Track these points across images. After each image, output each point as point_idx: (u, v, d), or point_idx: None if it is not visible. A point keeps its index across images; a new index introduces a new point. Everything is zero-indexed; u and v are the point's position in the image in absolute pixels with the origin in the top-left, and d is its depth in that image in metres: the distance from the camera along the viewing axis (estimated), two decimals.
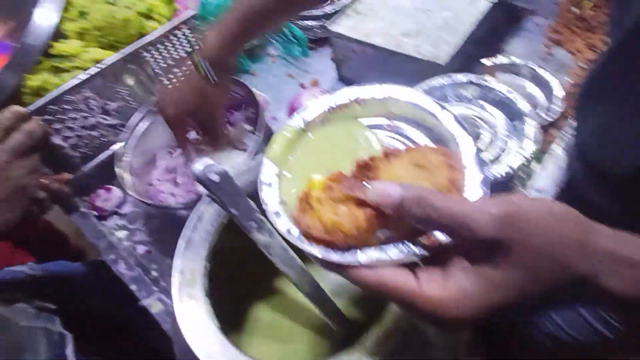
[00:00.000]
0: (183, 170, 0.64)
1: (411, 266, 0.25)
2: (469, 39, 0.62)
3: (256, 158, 0.44)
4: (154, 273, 0.59)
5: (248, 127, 0.65)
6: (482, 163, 0.28)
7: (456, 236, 0.23)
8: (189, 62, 0.54)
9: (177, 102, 0.55)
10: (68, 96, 0.63)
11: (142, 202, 0.53)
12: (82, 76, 0.63)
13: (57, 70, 0.64)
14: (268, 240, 0.40)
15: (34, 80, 0.63)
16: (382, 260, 0.25)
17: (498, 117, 0.54)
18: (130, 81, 0.70)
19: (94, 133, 0.69)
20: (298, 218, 0.28)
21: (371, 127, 0.34)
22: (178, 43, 0.72)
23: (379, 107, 0.34)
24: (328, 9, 0.80)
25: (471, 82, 0.54)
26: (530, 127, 0.51)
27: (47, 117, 0.63)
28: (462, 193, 0.26)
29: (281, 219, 0.29)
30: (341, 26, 0.67)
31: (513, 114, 0.54)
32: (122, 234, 0.65)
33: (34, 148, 0.49)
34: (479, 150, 0.28)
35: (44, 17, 0.64)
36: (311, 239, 0.27)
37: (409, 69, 0.61)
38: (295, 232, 0.28)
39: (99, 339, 0.67)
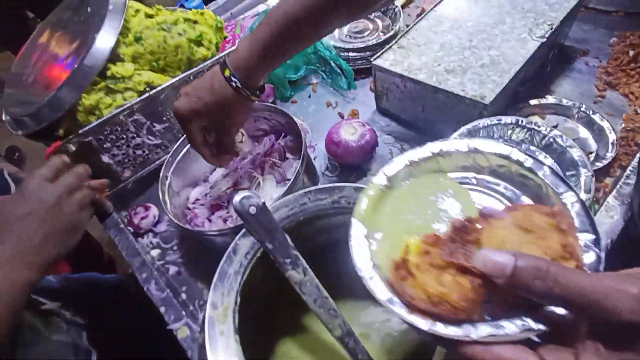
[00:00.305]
0: (220, 197, 0.65)
1: (530, 345, 0.23)
2: (516, 79, 0.60)
3: (294, 189, 0.44)
4: (183, 296, 0.59)
5: (291, 156, 0.66)
6: (591, 220, 0.25)
7: (589, 316, 0.21)
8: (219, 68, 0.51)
9: (193, 99, 0.52)
10: (119, 117, 0.67)
11: (179, 225, 0.54)
12: (135, 100, 0.66)
13: (110, 91, 0.68)
14: (302, 277, 0.39)
15: (88, 99, 0.66)
16: (497, 336, 0.23)
17: (547, 164, 0.51)
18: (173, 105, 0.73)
19: (138, 152, 0.72)
20: (397, 286, 0.27)
21: (457, 181, 0.33)
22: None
23: (463, 160, 0.33)
24: (372, 41, 0.81)
25: (518, 124, 0.52)
26: (584, 177, 0.48)
27: (99, 136, 0.66)
28: (580, 262, 0.24)
29: (377, 284, 0.28)
30: (385, 60, 0.67)
31: (563, 160, 0.51)
32: (155, 252, 0.66)
33: (83, 186, 0.55)
34: (585, 205, 0.26)
35: (104, 41, 0.68)
36: (414, 309, 0.25)
37: (452, 106, 0.60)
38: (397, 301, 0.26)
39: (121, 355, 0.67)
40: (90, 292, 0.71)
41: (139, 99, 0.67)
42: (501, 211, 0.27)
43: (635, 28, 0.75)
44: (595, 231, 0.25)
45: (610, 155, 0.58)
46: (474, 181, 0.32)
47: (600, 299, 0.20)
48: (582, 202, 0.27)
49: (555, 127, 0.65)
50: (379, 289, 0.27)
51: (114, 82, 0.67)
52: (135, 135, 0.70)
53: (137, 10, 0.74)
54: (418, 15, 0.85)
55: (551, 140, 0.51)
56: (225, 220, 0.62)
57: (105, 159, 0.68)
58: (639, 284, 0.20)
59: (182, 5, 1.02)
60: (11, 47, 2.02)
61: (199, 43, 0.75)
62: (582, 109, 0.64)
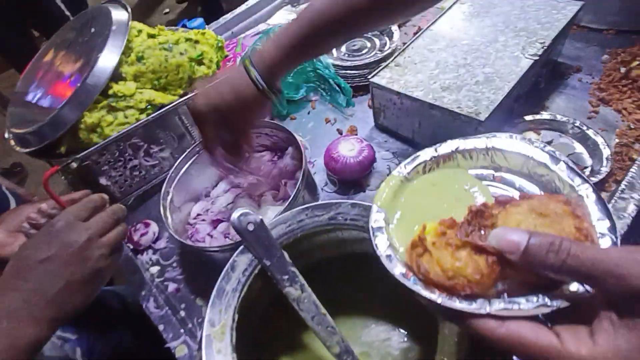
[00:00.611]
0: (222, 213, 0.65)
1: (545, 323, 0.23)
2: (511, 95, 0.61)
3: (295, 206, 0.45)
4: (182, 313, 0.59)
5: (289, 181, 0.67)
6: (606, 209, 0.26)
7: (602, 286, 0.21)
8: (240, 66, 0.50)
9: (213, 95, 0.50)
10: (119, 142, 0.68)
11: (180, 241, 0.54)
12: (135, 125, 0.68)
13: (112, 109, 0.69)
14: (299, 294, 0.39)
15: (90, 117, 0.67)
16: (512, 311, 0.23)
17: (562, 159, 0.52)
18: (174, 125, 0.74)
19: (135, 172, 0.73)
20: (413, 262, 0.28)
21: (475, 176, 0.34)
22: None
23: (482, 158, 0.34)
24: (369, 59, 0.82)
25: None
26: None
27: (97, 159, 0.68)
28: (596, 244, 0.25)
29: (393, 262, 0.29)
30: (382, 78, 0.68)
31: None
32: (155, 269, 0.66)
33: (116, 227, 0.49)
34: (600, 196, 0.27)
35: (106, 60, 0.70)
36: (429, 283, 0.26)
37: (448, 123, 0.61)
38: (410, 276, 0.28)
39: None
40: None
41: (141, 122, 0.68)
42: (518, 199, 0.28)
43: (626, 45, 0.77)
44: (610, 219, 0.26)
45: (605, 170, 0.59)
46: (492, 178, 0.34)
47: (612, 268, 0.20)
48: (597, 193, 0.28)
49: (550, 142, 0.66)
50: (395, 266, 0.28)
51: (116, 100, 0.68)
52: (132, 158, 0.71)
53: (140, 31, 0.76)
54: (414, 34, 0.87)
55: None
56: (226, 236, 0.62)
57: (103, 181, 0.69)
58: (625, 248, 0.21)
59: (184, 25, 1.04)
60: (16, 65, 2.06)
61: (200, 62, 0.77)
62: (577, 124, 0.65)
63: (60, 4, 1.73)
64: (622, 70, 0.72)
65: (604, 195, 0.58)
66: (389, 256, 0.30)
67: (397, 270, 0.28)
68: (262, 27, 1.15)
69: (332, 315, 0.41)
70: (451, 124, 0.61)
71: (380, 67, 0.70)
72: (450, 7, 0.79)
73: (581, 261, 0.21)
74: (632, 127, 0.65)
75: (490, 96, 0.60)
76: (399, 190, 0.34)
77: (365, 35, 0.90)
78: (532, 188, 0.32)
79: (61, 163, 0.65)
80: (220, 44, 0.82)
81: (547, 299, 0.23)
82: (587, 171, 0.61)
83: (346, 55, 0.88)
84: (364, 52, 0.87)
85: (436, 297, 0.26)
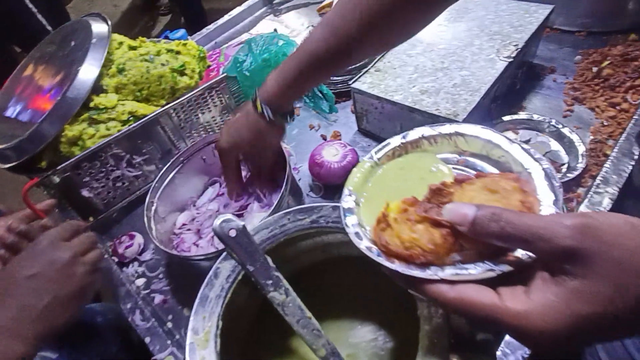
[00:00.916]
0: (207, 221, 0.65)
1: (491, 285, 0.25)
2: (487, 97, 0.63)
3: (275, 213, 0.45)
4: (169, 324, 0.58)
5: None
6: (554, 186, 0.29)
7: (534, 248, 0.23)
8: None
9: (233, 133, 0.59)
10: (100, 153, 0.68)
11: (165, 251, 0.54)
12: (115, 135, 0.68)
13: (93, 122, 0.69)
14: (284, 298, 0.40)
15: (71, 131, 0.67)
16: (461, 275, 0.26)
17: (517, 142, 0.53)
18: (157, 136, 0.74)
19: (118, 184, 0.72)
20: (376, 237, 0.30)
21: (441, 159, 0.37)
22: (207, 102, 0.77)
23: (447, 143, 0.37)
24: (352, 65, 0.84)
25: None
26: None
27: (78, 171, 0.67)
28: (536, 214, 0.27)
29: (361, 238, 0.31)
30: (362, 83, 0.70)
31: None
32: (140, 281, 0.65)
33: (95, 247, 0.52)
34: (550, 173, 0.29)
35: (87, 73, 0.69)
36: (390, 255, 0.29)
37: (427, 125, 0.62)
38: (374, 249, 0.30)
39: None
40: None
41: (121, 133, 0.68)
42: (473, 177, 0.31)
43: (597, 46, 0.80)
44: (555, 194, 0.29)
45: (580, 166, 0.61)
46: (456, 160, 0.36)
47: (541, 232, 0.22)
48: (545, 171, 0.30)
49: (528, 141, 0.68)
50: (361, 241, 0.31)
51: (97, 113, 0.68)
52: (114, 168, 0.71)
53: (121, 43, 0.76)
54: None
55: None
56: (212, 245, 0.62)
57: (85, 192, 0.69)
58: (573, 216, 0.23)
59: (166, 37, 1.05)
60: None
61: (182, 72, 0.77)
62: (552, 123, 0.67)
63: (41, 18, 1.72)
64: (594, 69, 0.74)
65: (580, 190, 0.60)
66: (357, 233, 0.32)
67: (363, 244, 0.31)
68: (244, 37, 1.16)
69: (319, 319, 0.41)
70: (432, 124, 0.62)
71: (361, 73, 0.72)
72: None
73: (517, 227, 0.23)
74: (606, 124, 0.67)
75: (468, 98, 0.61)
76: (369, 175, 0.37)
77: None
78: (491, 169, 0.35)
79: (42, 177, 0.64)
80: (202, 55, 0.82)
81: (493, 265, 0.26)
82: (564, 168, 0.63)
83: None
84: None
85: (395, 266, 0.28)
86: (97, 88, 0.70)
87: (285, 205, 0.56)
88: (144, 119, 0.70)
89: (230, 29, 1.22)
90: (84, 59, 0.69)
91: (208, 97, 0.76)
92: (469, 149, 0.36)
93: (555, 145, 0.67)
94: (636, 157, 0.57)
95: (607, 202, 0.54)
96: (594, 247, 0.21)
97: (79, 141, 0.67)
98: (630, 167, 0.56)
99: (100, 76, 0.70)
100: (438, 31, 0.76)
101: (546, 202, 0.28)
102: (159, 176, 0.64)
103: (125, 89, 0.73)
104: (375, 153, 0.38)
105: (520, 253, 0.25)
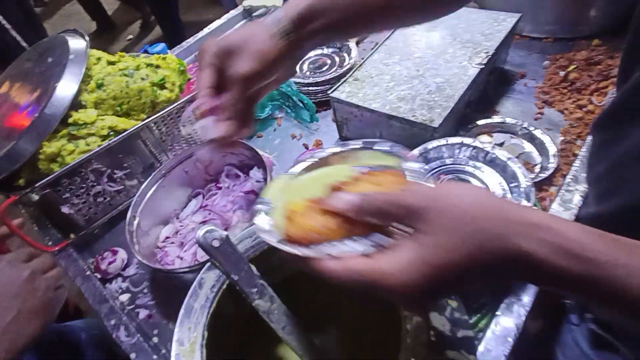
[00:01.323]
0: (191, 234, 0.65)
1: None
2: (461, 102, 0.65)
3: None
4: (155, 339, 0.57)
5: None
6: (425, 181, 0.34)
7: (396, 216, 0.28)
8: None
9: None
10: (80, 169, 0.67)
11: (148, 265, 0.54)
12: (94, 151, 0.67)
13: (72, 138, 0.68)
14: (269, 306, 0.40)
15: (50, 147, 0.66)
16: (345, 251, 0.30)
17: (492, 177, 0.55)
18: (138, 150, 0.73)
19: (100, 199, 0.72)
20: (284, 229, 0.34)
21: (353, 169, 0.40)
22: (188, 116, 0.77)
23: (354, 157, 0.40)
24: (331, 75, 0.85)
25: (463, 144, 0.57)
26: (524, 186, 0.52)
27: (57, 188, 0.66)
28: None
29: (269, 233, 0.34)
30: (341, 92, 0.71)
31: (505, 173, 0.55)
32: (125, 297, 0.64)
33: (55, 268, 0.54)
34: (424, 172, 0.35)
35: (65, 89, 0.69)
36: (293, 242, 0.32)
37: (405, 131, 0.64)
38: (278, 237, 0.34)
39: None
40: (56, 338, 0.68)
41: (101, 148, 0.67)
42: (366, 175, 0.35)
43: (563, 51, 0.83)
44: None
45: (552, 165, 0.63)
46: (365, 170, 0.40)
47: (400, 201, 0.27)
48: (420, 169, 0.35)
49: (502, 144, 0.71)
50: (270, 236, 0.34)
51: (77, 129, 0.67)
52: (95, 184, 0.70)
53: (99, 58, 0.76)
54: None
55: (493, 156, 0.55)
56: (196, 257, 0.62)
57: (65, 209, 0.68)
58: (425, 187, 0.28)
59: (145, 51, 1.05)
60: None
61: (162, 86, 0.77)
62: (525, 126, 0.70)
63: (15, 34, 1.69)
64: (561, 74, 0.78)
65: (553, 189, 0.62)
66: (264, 229, 0.35)
67: (270, 236, 0.34)
68: None
69: (307, 325, 0.41)
70: (409, 132, 0.64)
71: (340, 83, 0.73)
72: None
73: (383, 201, 0.28)
74: (574, 125, 0.70)
75: (443, 104, 0.63)
76: (286, 186, 0.40)
77: (325, 53, 0.94)
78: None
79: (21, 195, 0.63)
80: (182, 68, 0.83)
81: (374, 238, 0.30)
82: (537, 168, 0.66)
83: (308, 72, 0.91)
84: (324, 69, 0.91)
85: (294, 249, 0.31)
86: (75, 104, 0.70)
87: None
88: (124, 134, 0.69)
89: None
90: (61, 75, 0.69)
91: (189, 111, 0.76)
92: (369, 162, 0.39)
93: (528, 147, 0.69)
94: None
95: (577, 200, 0.56)
96: (438, 206, 0.26)
97: (57, 157, 0.67)
98: None
99: (78, 92, 0.69)
100: (413, 40, 0.78)
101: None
102: (140, 190, 0.64)
103: (105, 104, 0.73)
104: (294, 169, 0.41)
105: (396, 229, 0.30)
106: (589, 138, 0.63)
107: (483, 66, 0.68)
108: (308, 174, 0.41)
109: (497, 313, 0.48)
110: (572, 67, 0.78)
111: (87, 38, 0.77)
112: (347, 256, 0.29)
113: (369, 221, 0.30)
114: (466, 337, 0.41)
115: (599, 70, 0.75)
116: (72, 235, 0.73)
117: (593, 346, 0.45)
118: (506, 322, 0.47)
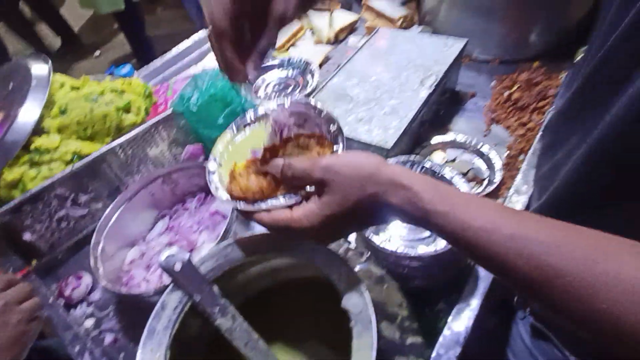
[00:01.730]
0: (157, 256, 0.66)
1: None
2: (414, 122, 0.70)
3: (221, 243, 0.47)
4: None
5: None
6: (342, 138, 0.43)
7: (307, 182, 0.38)
8: None
9: None
10: (42, 194, 0.67)
11: (113, 291, 0.54)
12: (57, 177, 0.67)
13: (34, 164, 0.68)
14: (231, 324, 0.42)
15: (11, 174, 0.66)
16: (274, 205, 0.40)
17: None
18: (103, 174, 0.74)
19: (63, 224, 0.71)
20: (228, 187, 0.43)
21: None
22: (154, 138, 0.78)
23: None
24: (297, 95, 0.89)
25: (414, 162, 0.61)
26: None
27: (19, 215, 0.66)
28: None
29: (219, 191, 0.43)
30: None
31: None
32: (90, 322, 0.64)
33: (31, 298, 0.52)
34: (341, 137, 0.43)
35: (26, 115, 0.69)
36: (235, 198, 0.42)
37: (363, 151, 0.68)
38: (226, 196, 0.42)
39: None
40: None
41: (64, 174, 0.68)
42: (292, 138, 0.44)
43: (508, 72, 0.91)
44: (343, 143, 0.42)
45: (498, 179, 0.69)
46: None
47: (307, 171, 0.37)
48: (341, 131, 0.43)
49: (454, 159, 0.76)
50: (220, 193, 0.43)
51: (39, 154, 0.67)
52: (58, 209, 0.70)
53: (63, 84, 0.76)
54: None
55: (441, 174, 0.60)
56: (162, 279, 0.63)
57: (27, 236, 0.67)
58: (324, 159, 0.36)
59: (111, 73, 1.05)
60: None
61: (127, 110, 0.78)
62: (474, 142, 0.75)
63: None
64: (506, 93, 0.85)
65: (499, 201, 0.68)
66: (217, 188, 0.43)
67: (220, 194, 0.43)
68: (192, 70, 1.19)
69: (270, 342, 0.43)
70: (366, 151, 0.68)
71: None
72: (362, 47, 0.89)
73: (297, 170, 0.38)
74: (518, 141, 0.77)
75: (397, 124, 0.68)
76: (229, 142, 0.48)
77: (289, 75, 0.98)
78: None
79: None
80: (148, 92, 0.84)
81: (295, 196, 0.39)
82: (486, 182, 0.71)
83: (274, 94, 0.94)
84: (289, 90, 0.94)
85: (236, 205, 0.41)
86: (38, 129, 0.70)
87: (231, 234, 0.59)
88: (88, 158, 0.70)
89: (177, 63, 1.24)
90: (23, 102, 0.69)
91: (155, 133, 0.78)
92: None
93: (477, 162, 0.75)
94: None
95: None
96: (331, 176, 0.35)
97: (19, 184, 0.66)
98: None
99: (41, 118, 0.70)
100: (370, 64, 0.83)
101: (339, 149, 0.42)
102: (105, 215, 0.65)
103: (69, 128, 0.73)
104: (234, 125, 0.49)
105: (309, 187, 0.39)
106: (530, 152, 0.69)
107: (433, 89, 0.73)
108: (247, 131, 0.48)
109: (449, 319, 0.51)
110: (515, 87, 0.85)
111: (49, 62, 0.78)
112: (274, 208, 0.39)
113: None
114: (415, 344, 0.45)
115: (538, 90, 0.83)
116: (34, 262, 0.72)
117: (532, 337, 0.50)
118: (457, 327, 0.50)
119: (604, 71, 0.34)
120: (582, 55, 0.43)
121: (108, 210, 0.65)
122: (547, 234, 0.28)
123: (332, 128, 0.44)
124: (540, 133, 0.73)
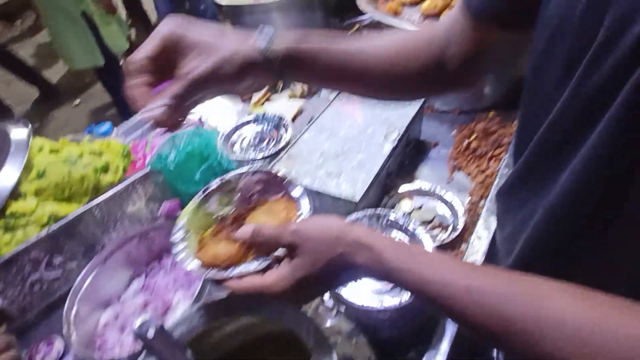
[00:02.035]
0: (131, 317, 0.66)
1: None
2: (381, 175, 0.75)
3: (193, 307, 0.49)
4: None
5: None
6: (307, 200, 0.47)
7: (277, 246, 0.41)
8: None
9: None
10: (16, 258, 0.67)
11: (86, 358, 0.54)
12: (32, 241, 0.68)
13: (10, 228, 0.68)
14: None
15: None
16: (243, 272, 0.41)
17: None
18: (79, 234, 0.75)
19: (36, 287, 0.71)
20: (197, 255, 0.44)
21: None
22: (131, 196, 0.80)
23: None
24: (270, 152, 0.93)
25: (380, 215, 0.65)
26: (428, 247, 0.60)
27: None
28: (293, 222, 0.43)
29: (188, 260, 0.44)
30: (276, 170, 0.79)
31: (413, 238, 0.63)
32: None
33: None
34: (305, 200, 0.47)
35: (3, 180, 0.70)
36: (205, 265, 0.43)
37: (333, 204, 0.72)
38: (196, 266, 0.43)
39: None
40: None
41: (39, 237, 0.68)
42: (259, 203, 0.48)
43: (467, 122, 0.98)
44: (310, 206, 0.46)
45: (461, 225, 0.73)
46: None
47: (276, 237, 0.40)
48: (306, 200, 0.47)
49: (421, 207, 0.80)
50: (189, 262, 0.44)
51: (14, 219, 0.68)
52: (32, 272, 0.70)
53: (41, 148, 0.78)
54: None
55: (405, 225, 0.64)
56: (136, 342, 0.62)
57: None
58: (293, 225, 0.40)
59: (91, 132, 1.08)
60: None
61: (105, 170, 0.81)
62: (437, 190, 0.80)
63: None
64: (465, 142, 0.92)
65: (463, 247, 0.71)
66: (183, 260, 0.44)
67: (189, 265, 0.43)
68: None
69: None
70: (336, 205, 0.72)
71: (275, 160, 0.81)
72: (332, 102, 0.95)
73: (266, 236, 0.41)
74: (478, 187, 0.82)
75: (364, 178, 0.72)
76: (195, 211, 0.49)
77: (264, 129, 1.03)
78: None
79: None
80: (126, 151, 0.87)
81: (263, 261, 0.41)
82: (450, 228, 0.75)
83: (251, 148, 0.99)
84: (264, 143, 0.99)
85: (205, 273, 0.42)
86: (15, 193, 0.71)
87: (206, 293, 0.60)
88: (65, 220, 0.71)
89: None
90: (1, 167, 0.71)
91: (133, 191, 0.80)
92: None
93: (441, 209, 0.79)
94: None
95: (480, 256, 0.65)
96: (300, 241, 0.38)
97: None
98: (494, 224, 0.69)
99: (18, 182, 0.71)
100: (339, 119, 0.89)
101: (304, 212, 0.46)
102: (79, 278, 0.65)
103: (46, 191, 0.74)
104: (198, 197, 0.50)
105: (280, 251, 0.41)
106: (488, 199, 0.74)
107: (396, 143, 0.79)
108: (215, 198, 0.50)
109: None
110: (473, 136, 0.92)
111: (29, 126, 0.80)
112: (245, 274, 0.41)
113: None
114: None
115: (494, 139, 0.90)
116: (3, 326, 0.70)
117: None
118: None
119: (553, 137, 0.34)
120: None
121: (83, 273, 0.66)
122: (500, 284, 0.31)
123: (297, 193, 0.48)
124: (494, 193, 0.78)
